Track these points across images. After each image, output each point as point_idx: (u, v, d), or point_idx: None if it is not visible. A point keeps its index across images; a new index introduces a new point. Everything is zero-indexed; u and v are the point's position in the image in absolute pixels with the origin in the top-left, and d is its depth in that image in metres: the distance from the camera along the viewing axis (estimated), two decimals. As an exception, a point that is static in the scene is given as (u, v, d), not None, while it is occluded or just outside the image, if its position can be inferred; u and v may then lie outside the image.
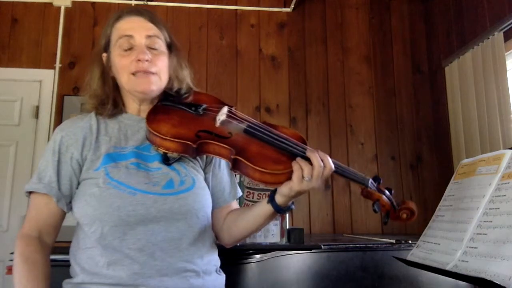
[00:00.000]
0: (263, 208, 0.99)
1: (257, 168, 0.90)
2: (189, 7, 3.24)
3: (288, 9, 3.30)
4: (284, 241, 1.58)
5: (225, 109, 1.05)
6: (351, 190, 3.08)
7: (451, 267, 0.91)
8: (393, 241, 1.75)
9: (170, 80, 1.10)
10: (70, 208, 1.03)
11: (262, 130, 0.99)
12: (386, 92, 3.29)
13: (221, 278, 1.09)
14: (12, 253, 1.39)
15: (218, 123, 1.02)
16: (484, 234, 0.90)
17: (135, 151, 1.04)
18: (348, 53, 3.32)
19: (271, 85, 3.20)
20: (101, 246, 0.95)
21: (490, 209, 0.93)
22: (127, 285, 0.92)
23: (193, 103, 1.09)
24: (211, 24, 3.24)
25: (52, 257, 1.02)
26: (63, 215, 1.04)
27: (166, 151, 1.00)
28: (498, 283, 0.76)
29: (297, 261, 1.57)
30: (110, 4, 3.17)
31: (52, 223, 1.02)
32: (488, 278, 0.79)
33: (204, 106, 1.08)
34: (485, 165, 1.04)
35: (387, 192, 0.99)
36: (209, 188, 1.09)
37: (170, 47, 1.11)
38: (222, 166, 1.15)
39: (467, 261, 0.89)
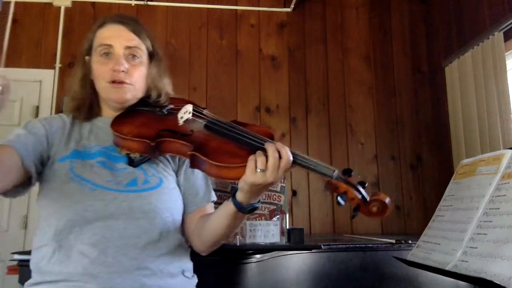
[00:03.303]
0: (227, 206, 0.96)
1: (213, 162, 0.89)
2: (189, 7, 3.24)
3: (288, 9, 3.30)
4: (284, 241, 1.58)
5: (189, 107, 1.05)
6: (351, 190, 3.08)
7: (451, 267, 0.91)
8: (393, 241, 1.75)
9: (148, 89, 1.11)
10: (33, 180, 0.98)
11: (223, 125, 0.98)
12: (386, 92, 3.29)
13: (189, 282, 1.06)
14: (12, 253, 1.39)
15: (181, 122, 1.02)
16: (484, 234, 0.90)
17: (103, 150, 1.05)
18: (348, 53, 3.32)
19: (271, 85, 3.20)
20: (56, 242, 0.94)
21: (490, 209, 0.93)
22: (75, 281, 0.91)
23: (159, 105, 1.10)
24: (211, 24, 3.24)
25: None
26: (19, 165, 0.93)
27: (128, 152, 1.01)
28: (498, 283, 0.76)
29: (297, 261, 1.57)
30: (110, 4, 3.17)
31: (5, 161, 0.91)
32: (488, 278, 0.79)
33: (170, 106, 1.09)
34: (485, 165, 1.04)
35: (358, 185, 0.89)
36: (181, 192, 1.08)
37: (152, 56, 1.12)
38: (195, 169, 1.14)
39: (467, 261, 0.89)
